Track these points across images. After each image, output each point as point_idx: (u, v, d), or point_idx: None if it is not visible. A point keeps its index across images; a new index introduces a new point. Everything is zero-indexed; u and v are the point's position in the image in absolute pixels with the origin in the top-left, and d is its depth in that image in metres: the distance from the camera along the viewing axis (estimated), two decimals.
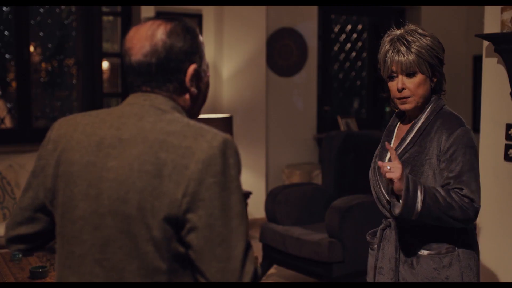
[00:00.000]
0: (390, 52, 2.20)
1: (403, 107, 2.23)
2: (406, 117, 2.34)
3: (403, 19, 7.57)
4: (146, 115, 1.38)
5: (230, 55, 6.15)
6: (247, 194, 5.54)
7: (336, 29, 7.32)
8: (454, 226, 2.14)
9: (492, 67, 3.08)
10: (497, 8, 2.98)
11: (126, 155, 1.33)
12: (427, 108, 2.24)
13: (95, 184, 1.35)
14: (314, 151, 6.90)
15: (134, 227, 1.30)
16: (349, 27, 7.37)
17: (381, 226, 2.29)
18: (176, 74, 1.42)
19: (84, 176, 1.37)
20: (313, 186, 4.96)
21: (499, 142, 3.05)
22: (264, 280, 4.71)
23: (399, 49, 2.18)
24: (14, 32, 5.45)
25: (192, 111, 1.48)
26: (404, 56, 2.17)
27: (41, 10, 5.88)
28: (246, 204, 5.48)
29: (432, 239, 2.19)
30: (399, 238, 2.22)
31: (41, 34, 6.02)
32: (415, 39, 2.19)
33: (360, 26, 7.45)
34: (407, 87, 2.19)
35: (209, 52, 6.15)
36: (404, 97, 2.20)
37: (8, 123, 5.69)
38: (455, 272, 2.17)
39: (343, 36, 7.35)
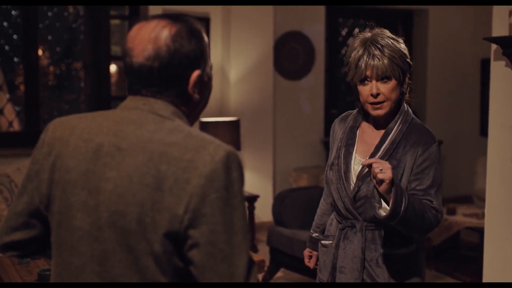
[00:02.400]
0: (365, 56, 2.16)
1: (377, 112, 2.20)
2: (370, 119, 2.30)
3: (410, 22, 7.56)
4: (145, 122, 1.32)
5: (237, 58, 6.16)
6: (254, 198, 5.54)
7: (343, 33, 7.32)
8: (414, 235, 2.21)
9: (500, 71, 3.07)
10: (505, 11, 2.98)
11: (125, 166, 1.28)
12: (398, 118, 2.23)
13: (94, 195, 1.30)
14: (321, 155, 6.89)
15: (134, 241, 1.26)
16: (356, 30, 7.37)
17: (340, 226, 2.29)
18: (179, 80, 1.35)
19: (82, 185, 1.32)
20: (321, 189, 4.94)
21: (507, 145, 3.05)
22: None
23: (374, 53, 2.15)
24: (23, 35, 5.48)
25: (192, 115, 1.42)
26: (379, 60, 2.14)
27: (50, 14, 5.91)
28: (253, 208, 5.49)
29: (395, 238, 2.23)
30: (363, 239, 2.23)
31: (49, 37, 6.05)
32: (387, 43, 2.16)
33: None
34: (381, 92, 2.16)
35: (216, 56, 6.16)
36: (378, 102, 2.18)
37: (16, 126, 5.72)
38: (416, 267, 2.27)
39: (351, 39, 7.35)
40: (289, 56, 6.67)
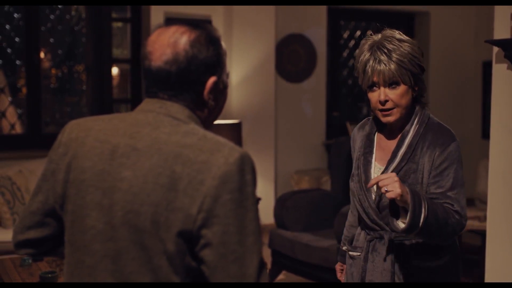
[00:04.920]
0: (371, 61, 2.10)
1: (386, 119, 2.12)
2: (387, 125, 2.22)
3: (412, 25, 7.56)
4: (161, 125, 1.35)
5: (239, 60, 6.17)
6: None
7: (345, 35, 7.32)
8: (438, 242, 2.13)
9: (502, 73, 3.06)
10: (507, 13, 2.97)
11: (140, 166, 1.31)
12: (414, 119, 2.15)
13: (108, 194, 1.33)
14: (323, 157, 6.89)
15: (147, 240, 1.29)
16: (358, 33, 7.37)
17: (368, 237, 2.21)
18: (195, 85, 1.39)
19: (96, 184, 1.34)
20: (322, 192, 4.95)
21: (509, 148, 3.04)
22: None
23: (380, 59, 2.07)
24: (25, 38, 5.49)
25: (207, 121, 1.45)
26: (386, 65, 2.06)
27: (52, 16, 5.92)
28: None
29: (427, 249, 2.16)
30: (392, 251, 2.16)
31: (51, 40, 6.06)
32: (395, 46, 2.08)
33: (369, 32, 7.44)
34: (390, 99, 2.08)
35: None
36: (387, 109, 2.11)
37: (18, 129, 5.73)
38: (449, 278, 2.20)
39: (352, 42, 7.35)
40: (290, 59, 6.67)
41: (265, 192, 6.23)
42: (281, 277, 4.87)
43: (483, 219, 5.02)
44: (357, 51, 2.23)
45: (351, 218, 2.44)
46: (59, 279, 3.11)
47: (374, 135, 2.26)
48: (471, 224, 5.06)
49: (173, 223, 1.26)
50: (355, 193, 2.23)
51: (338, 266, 2.48)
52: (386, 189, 1.93)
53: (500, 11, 3.04)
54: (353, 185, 2.25)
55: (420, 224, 1.95)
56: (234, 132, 5.52)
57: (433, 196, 2.08)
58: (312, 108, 6.86)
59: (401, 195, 1.92)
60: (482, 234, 4.75)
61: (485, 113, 7.24)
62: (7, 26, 5.73)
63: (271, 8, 6.25)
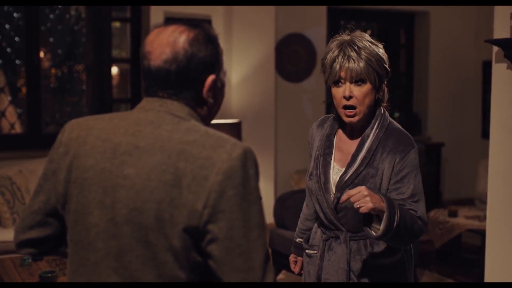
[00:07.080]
0: (340, 57, 2.11)
1: (349, 120, 2.13)
2: (347, 126, 2.23)
3: (412, 25, 7.56)
4: (162, 123, 1.36)
5: (239, 60, 6.17)
6: None
7: None
8: (401, 246, 2.17)
9: (501, 73, 3.07)
10: (507, 13, 2.98)
11: (143, 164, 1.32)
12: (375, 123, 2.16)
13: (111, 192, 1.33)
14: None
15: (152, 237, 1.29)
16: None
17: (324, 236, 2.24)
18: (194, 84, 1.40)
19: (99, 183, 1.35)
20: None
21: (508, 147, 3.04)
22: None
23: (350, 55, 2.09)
24: (25, 38, 5.49)
25: (207, 118, 1.46)
26: (355, 62, 2.08)
27: (51, 16, 5.92)
28: None
29: (381, 248, 2.19)
30: (348, 250, 2.18)
31: (51, 40, 6.06)
32: (365, 45, 2.11)
33: (369, 32, 7.43)
34: (354, 96, 2.09)
35: None
36: (351, 106, 2.11)
37: (18, 128, 5.73)
38: (403, 276, 2.22)
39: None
40: (290, 58, 6.67)
41: (265, 191, 6.23)
42: (281, 277, 4.87)
43: (483, 218, 5.02)
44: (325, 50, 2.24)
45: (306, 211, 2.49)
46: (59, 278, 3.11)
47: (334, 136, 2.27)
48: (471, 223, 5.07)
49: (178, 220, 1.28)
50: (314, 192, 2.24)
51: (291, 258, 2.53)
52: (358, 205, 1.93)
53: (500, 11, 3.04)
54: (311, 184, 2.26)
55: (393, 229, 1.97)
56: (234, 132, 5.52)
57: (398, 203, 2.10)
58: (312, 108, 6.86)
59: (373, 207, 1.93)
60: (482, 234, 4.75)
61: (485, 113, 7.24)
62: (7, 26, 5.73)
63: (271, 8, 6.25)
